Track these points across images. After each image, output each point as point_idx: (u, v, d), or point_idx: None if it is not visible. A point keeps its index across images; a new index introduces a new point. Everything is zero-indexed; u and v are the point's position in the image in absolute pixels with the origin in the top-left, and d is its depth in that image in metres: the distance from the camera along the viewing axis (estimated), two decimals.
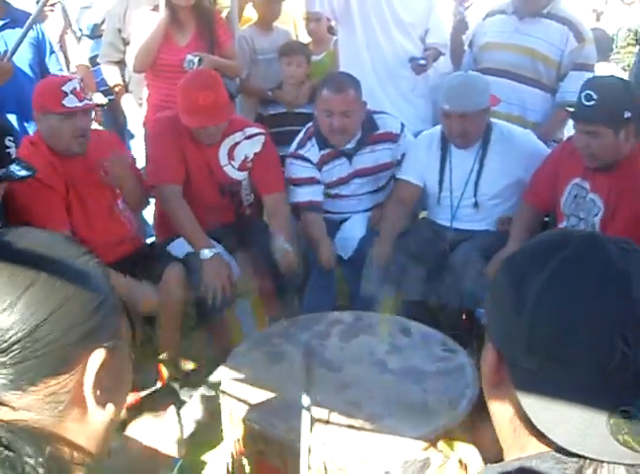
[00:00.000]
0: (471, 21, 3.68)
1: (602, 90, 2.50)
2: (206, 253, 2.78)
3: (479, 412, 1.83)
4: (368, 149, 3.18)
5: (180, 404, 2.27)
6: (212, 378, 2.41)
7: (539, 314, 0.74)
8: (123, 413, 0.86)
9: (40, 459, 0.67)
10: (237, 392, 2.00)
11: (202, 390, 2.69)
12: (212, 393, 2.66)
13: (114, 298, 0.78)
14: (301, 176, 3.16)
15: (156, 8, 3.40)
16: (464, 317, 3.02)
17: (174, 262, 2.84)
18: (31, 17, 2.91)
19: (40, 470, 0.66)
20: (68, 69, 4.05)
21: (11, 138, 2.41)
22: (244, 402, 1.95)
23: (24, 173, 2.40)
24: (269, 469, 1.90)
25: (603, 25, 6.03)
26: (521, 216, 2.97)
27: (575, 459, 0.72)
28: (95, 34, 4.34)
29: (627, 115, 2.47)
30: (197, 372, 2.93)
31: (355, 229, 3.23)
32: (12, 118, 3.37)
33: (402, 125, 3.24)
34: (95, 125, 3.33)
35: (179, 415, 1.32)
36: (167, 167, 2.91)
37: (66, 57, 4.21)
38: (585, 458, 0.71)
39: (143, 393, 2.74)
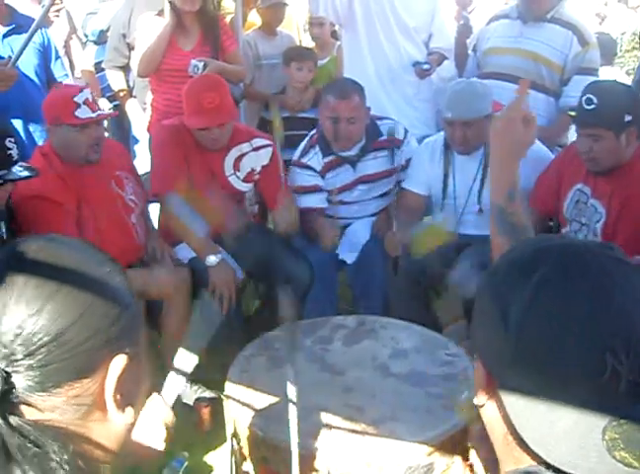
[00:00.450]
0: (474, 25, 3.68)
1: (603, 94, 2.51)
2: (212, 259, 2.79)
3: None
4: (372, 156, 3.18)
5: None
6: (216, 383, 2.42)
7: (524, 334, 0.73)
8: None
9: (66, 456, 0.69)
10: (241, 397, 2.00)
11: (202, 391, 2.71)
12: (211, 395, 2.68)
13: (135, 306, 0.81)
14: (305, 184, 3.16)
15: (161, 13, 3.42)
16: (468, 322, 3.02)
17: (180, 267, 2.86)
18: (34, 22, 2.92)
19: (66, 466, 0.69)
20: (73, 75, 4.07)
21: (12, 140, 2.42)
22: (248, 407, 1.95)
23: (26, 173, 2.41)
24: None
25: (608, 29, 6.02)
26: None
27: None
28: (101, 40, 4.36)
29: (628, 118, 2.48)
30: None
31: (359, 234, 3.23)
32: (18, 122, 3.38)
33: (405, 131, 3.24)
34: None
35: (163, 399, 1.32)
36: (170, 175, 2.91)
37: (71, 63, 4.24)
38: None
39: None
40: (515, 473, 0.75)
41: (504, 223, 1.27)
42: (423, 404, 1.95)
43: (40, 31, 3.49)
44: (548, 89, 3.40)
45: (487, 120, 2.94)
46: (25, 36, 3.08)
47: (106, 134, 3.65)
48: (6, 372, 0.70)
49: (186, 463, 2.37)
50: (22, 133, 3.40)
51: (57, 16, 4.10)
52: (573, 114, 2.65)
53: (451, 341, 2.30)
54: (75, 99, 2.59)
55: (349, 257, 3.16)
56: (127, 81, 3.88)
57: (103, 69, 4.02)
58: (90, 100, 2.64)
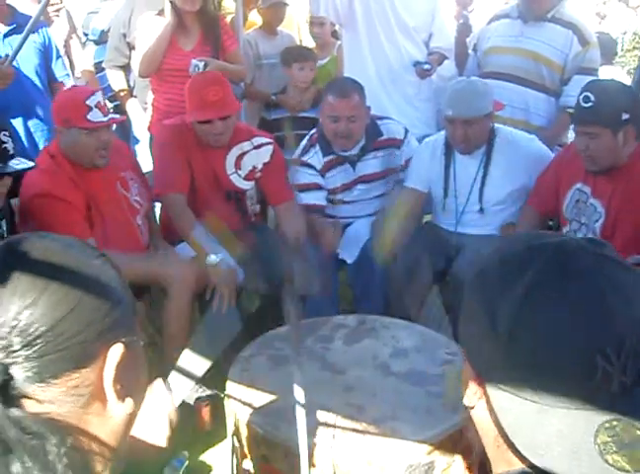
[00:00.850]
0: (474, 25, 3.69)
1: (600, 92, 2.51)
2: (212, 258, 2.80)
3: None
4: (372, 155, 3.19)
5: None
6: (216, 382, 2.42)
7: (515, 335, 0.71)
8: None
9: (64, 449, 0.70)
10: (242, 396, 2.00)
11: (203, 390, 2.71)
12: (212, 394, 2.68)
13: (128, 297, 0.82)
14: (305, 182, 3.17)
15: (161, 13, 3.42)
16: None
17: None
18: (30, 20, 2.92)
19: (64, 459, 0.70)
20: (73, 75, 4.07)
21: (6, 133, 2.43)
22: (249, 406, 1.96)
23: (23, 166, 2.42)
24: (273, 473, 1.90)
25: (607, 28, 6.03)
26: (525, 220, 2.97)
27: None
28: (102, 39, 4.36)
29: (625, 116, 2.48)
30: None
31: (359, 233, 3.23)
32: (18, 122, 3.39)
33: (406, 131, 3.24)
34: None
35: (168, 385, 1.31)
36: (171, 176, 2.93)
37: (71, 62, 4.24)
38: None
39: None
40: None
41: None
42: (423, 403, 1.95)
43: (41, 30, 3.50)
44: (548, 89, 3.41)
45: (487, 119, 2.95)
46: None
47: None
48: (4, 364, 0.70)
49: (186, 462, 2.38)
50: (22, 133, 3.41)
51: (57, 15, 4.10)
52: (572, 111, 2.66)
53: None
54: (87, 102, 2.56)
55: (349, 256, 3.16)
56: (128, 81, 3.89)
57: (103, 69, 4.02)
58: (102, 103, 2.62)
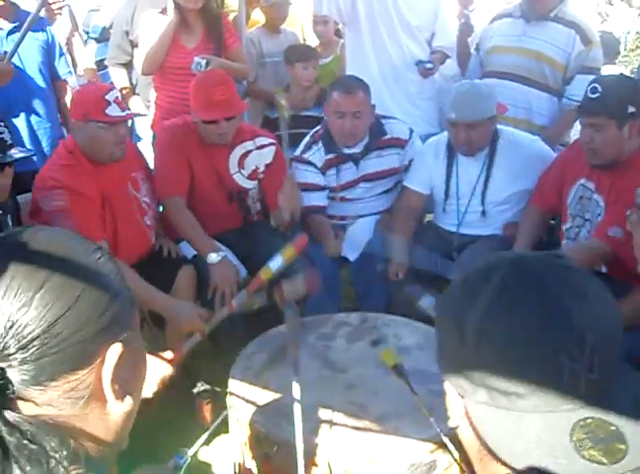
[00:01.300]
0: (476, 24, 3.68)
1: (608, 84, 2.52)
2: (214, 257, 2.80)
3: None
4: (375, 154, 3.18)
5: None
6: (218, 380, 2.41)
7: (481, 349, 0.74)
8: None
9: (65, 452, 0.68)
10: (243, 394, 2.00)
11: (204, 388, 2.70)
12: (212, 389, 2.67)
13: (126, 291, 0.80)
14: (306, 181, 3.16)
15: (164, 11, 3.42)
16: None
17: (186, 264, 2.87)
18: (29, 17, 2.92)
19: (65, 463, 0.68)
20: (75, 72, 4.07)
21: (1, 124, 2.43)
22: (250, 404, 1.96)
23: (22, 155, 2.42)
24: (275, 471, 1.90)
25: (610, 27, 6.03)
26: (528, 219, 2.96)
27: None
28: (103, 37, 4.37)
29: (631, 109, 2.48)
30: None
31: (362, 232, 3.23)
32: (21, 119, 3.39)
33: (411, 131, 3.24)
34: None
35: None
36: (171, 180, 2.94)
37: (73, 60, 4.24)
38: None
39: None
40: None
41: None
42: (426, 401, 1.95)
43: (43, 28, 3.50)
44: (551, 88, 3.40)
45: (491, 122, 2.94)
46: (30, 33, 3.10)
47: None
48: (0, 368, 0.69)
49: (188, 459, 2.37)
50: (25, 130, 3.41)
51: (60, 13, 4.10)
52: (575, 108, 2.65)
53: None
54: (106, 97, 2.59)
55: (351, 254, 3.16)
56: (130, 78, 3.89)
57: (105, 67, 4.03)
58: (119, 99, 2.65)
